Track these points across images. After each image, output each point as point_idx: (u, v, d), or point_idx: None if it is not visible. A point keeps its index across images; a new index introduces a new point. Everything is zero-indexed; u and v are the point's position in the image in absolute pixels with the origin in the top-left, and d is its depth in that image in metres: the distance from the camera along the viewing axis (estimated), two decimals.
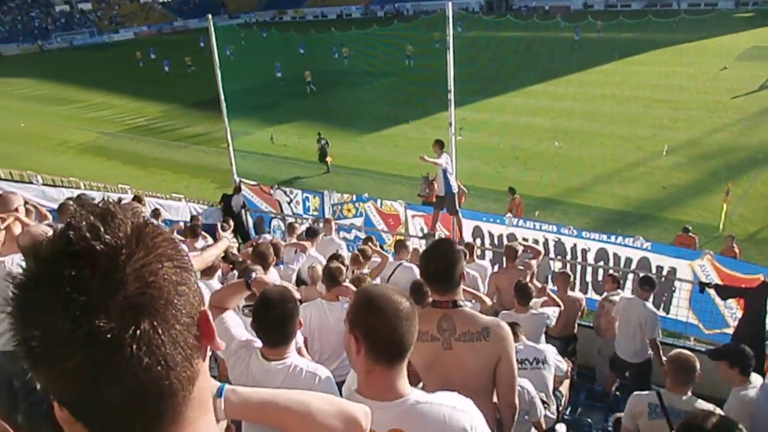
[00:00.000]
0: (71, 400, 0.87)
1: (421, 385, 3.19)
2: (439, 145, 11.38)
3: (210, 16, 13.59)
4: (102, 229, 0.88)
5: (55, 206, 10.66)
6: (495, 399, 3.28)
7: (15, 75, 57.59)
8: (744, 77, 33.29)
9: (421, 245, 12.34)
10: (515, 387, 3.28)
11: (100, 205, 0.93)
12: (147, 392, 0.88)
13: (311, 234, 9.58)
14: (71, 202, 8.34)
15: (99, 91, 45.81)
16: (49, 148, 30.97)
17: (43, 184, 16.95)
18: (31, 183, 16.87)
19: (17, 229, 5.68)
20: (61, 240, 0.87)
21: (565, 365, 6.45)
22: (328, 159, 24.91)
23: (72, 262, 0.84)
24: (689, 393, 4.65)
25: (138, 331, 0.84)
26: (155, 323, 0.87)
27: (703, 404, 4.57)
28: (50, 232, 0.90)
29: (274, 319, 3.23)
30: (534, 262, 8.40)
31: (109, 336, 0.82)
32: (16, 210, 6.04)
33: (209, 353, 1.04)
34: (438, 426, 2.11)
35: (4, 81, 54.88)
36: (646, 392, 4.89)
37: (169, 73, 49.84)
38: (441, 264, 3.18)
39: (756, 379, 5.11)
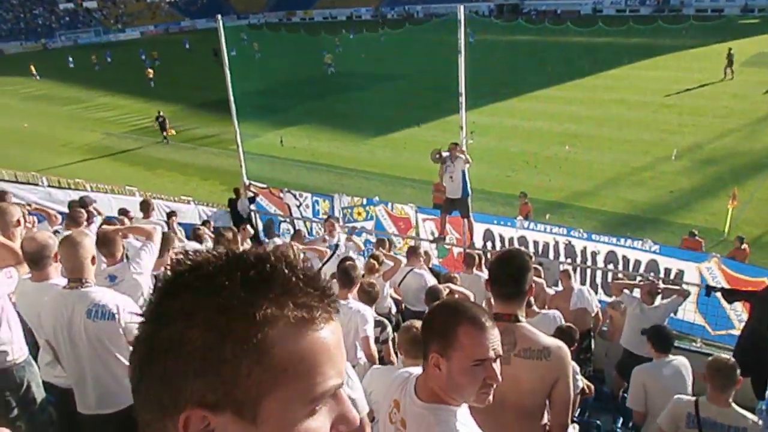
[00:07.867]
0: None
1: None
2: (456, 146, 10.92)
3: (220, 16, 13.49)
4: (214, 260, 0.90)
5: (63, 208, 10.66)
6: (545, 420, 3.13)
7: (17, 74, 56.22)
8: (750, 83, 33.30)
9: (431, 249, 12.39)
10: (570, 409, 3.13)
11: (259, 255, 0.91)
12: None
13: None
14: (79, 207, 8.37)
15: (103, 91, 45.71)
16: (54, 149, 30.68)
17: (49, 186, 16.92)
18: (37, 185, 16.81)
19: None
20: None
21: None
22: (168, 132, 30.32)
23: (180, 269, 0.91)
24: (730, 403, 4.54)
25: (156, 329, 0.86)
26: (169, 347, 0.84)
27: (742, 412, 4.52)
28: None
29: None
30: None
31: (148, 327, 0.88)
32: (17, 222, 6.12)
33: None
34: None
35: (6, 80, 54.41)
36: (686, 398, 4.82)
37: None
38: (511, 268, 3.09)
39: (672, 358, 5.86)
